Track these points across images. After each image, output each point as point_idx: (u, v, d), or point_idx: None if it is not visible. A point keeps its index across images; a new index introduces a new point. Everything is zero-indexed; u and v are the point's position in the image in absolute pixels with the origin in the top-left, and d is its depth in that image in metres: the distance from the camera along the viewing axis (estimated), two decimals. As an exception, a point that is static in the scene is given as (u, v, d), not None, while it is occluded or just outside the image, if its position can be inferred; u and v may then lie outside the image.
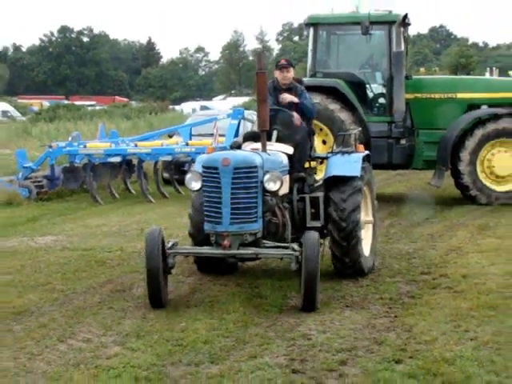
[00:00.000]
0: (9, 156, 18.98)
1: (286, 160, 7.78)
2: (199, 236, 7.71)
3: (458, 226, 11.33)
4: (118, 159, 15.34)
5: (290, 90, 8.48)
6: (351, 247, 7.90)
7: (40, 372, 5.52)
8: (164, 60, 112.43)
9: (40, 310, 7.15)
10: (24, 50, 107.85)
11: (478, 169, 13.38)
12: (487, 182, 13.40)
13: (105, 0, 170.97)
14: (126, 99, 71.67)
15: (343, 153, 8.29)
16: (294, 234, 7.58)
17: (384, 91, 14.03)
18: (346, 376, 5.30)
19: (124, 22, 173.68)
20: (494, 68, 26.25)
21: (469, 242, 10.07)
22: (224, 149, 10.05)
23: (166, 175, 16.49)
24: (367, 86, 14.10)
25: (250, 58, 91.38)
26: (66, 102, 58.83)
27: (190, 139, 15.90)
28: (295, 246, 6.96)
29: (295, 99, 8.34)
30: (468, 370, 5.29)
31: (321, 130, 13.34)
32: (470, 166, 13.32)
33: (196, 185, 7.26)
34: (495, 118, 13.45)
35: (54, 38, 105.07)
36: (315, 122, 11.48)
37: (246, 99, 49.54)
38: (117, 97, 76.29)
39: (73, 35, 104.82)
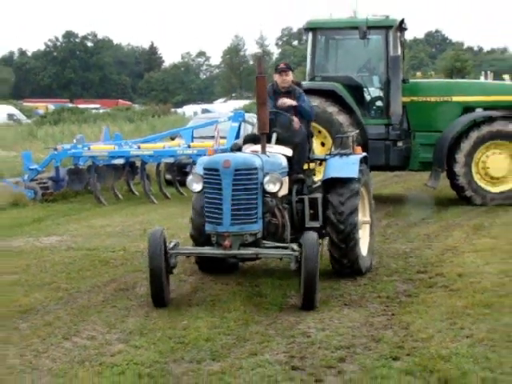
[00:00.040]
0: (15, 158, 18.98)
1: (285, 162, 7.79)
2: (200, 238, 7.71)
3: (453, 226, 11.33)
4: (121, 161, 15.35)
5: (289, 93, 8.47)
6: (349, 249, 7.91)
7: (45, 369, 5.52)
8: (166, 64, 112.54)
9: (45, 308, 7.15)
10: (29, 54, 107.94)
11: (473, 170, 13.38)
12: (482, 183, 13.40)
13: (108, 6, 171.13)
14: (129, 102, 71.75)
15: (341, 155, 8.29)
16: (293, 235, 7.57)
17: (381, 94, 14.03)
18: (345, 373, 5.31)
19: (127, 27, 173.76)
20: (489, 72, 26.23)
21: (464, 241, 10.07)
22: (225, 151, 10.07)
23: (168, 177, 16.50)
24: (365, 89, 14.10)
25: (251, 62, 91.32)
26: (70, 105, 58.85)
27: (192, 141, 15.92)
28: (294, 246, 6.95)
29: (294, 103, 8.34)
30: (463, 366, 5.30)
31: (319, 132, 13.34)
32: (466, 168, 13.33)
33: (197, 186, 7.26)
34: (490, 120, 13.46)
35: (58, 43, 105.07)
36: (314, 124, 11.50)
37: (246, 102, 49.55)
38: (120, 100, 76.33)
39: (77, 40, 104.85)
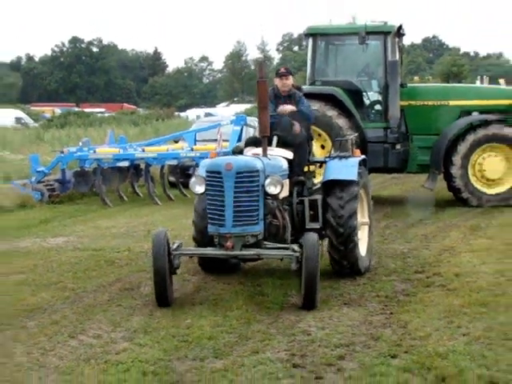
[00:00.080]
0: (22, 161, 18.99)
1: (286, 164, 7.79)
2: (203, 241, 7.71)
3: (450, 227, 11.32)
4: (126, 164, 15.38)
5: (289, 96, 8.48)
6: (349, 251, 7.90)
7: (52, 366, 5.52)
8: (170, 69, 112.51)
9: (52, 307, 7.15)
10: (37, 59, 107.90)
11: (470, 172, 13.39)
12: (478, 185, 13.40)
13: (114, 12, 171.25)
14: (133, 106, 71.65)
15: (340, 157, 8.29)
16: (294, 236, 7.57)
17: (380, 98, 14.04)
18: (344, 370, 5.30)
19: (132, 32, 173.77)
20: (485, 76, 26.17)
21: (461, 242, 10.06)
22: (227, 153, 10.06)
23: (171, 179, 16.51)
24: (364, 93, 14.11)
25: (252, 67, 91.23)
26: (76, 109, 58.79)
27: (195, 144, 15.91)
28: (295, 246, 6.95)
29: (293, 108, 8.32)
30: (460, 364, 5.29)
31: (319, 135, 13.35)
32: (462, 170, 13.33)
33: (200, 188, 7.25)
34: (486, 124, 13.47)
35: (65, 49, 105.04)
36: (314, 127, 11.51)
37: (248, 106, 49.49)
38: (125, 104, 76.25)
39: (83, 45, 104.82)
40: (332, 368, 5.35)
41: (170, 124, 37.28)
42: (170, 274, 7.06)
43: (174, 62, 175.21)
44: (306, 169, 8.41)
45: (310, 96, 11.62)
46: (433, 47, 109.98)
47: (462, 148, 13.33)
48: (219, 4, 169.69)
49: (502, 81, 19.31)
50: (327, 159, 8.40)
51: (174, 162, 15.45)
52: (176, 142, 18.11)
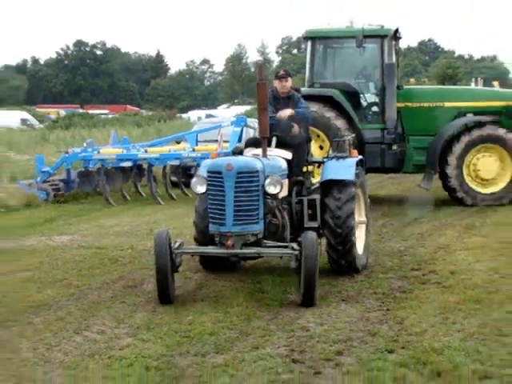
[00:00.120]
0: (28, 161, 18.95)
1: (285, 165, 7.78)
2: (204, 240, 7.70)
3: (445, 226, 11.32)
4: (129, 164, 15.38)
5: (288, 98, 8.47)
6: (346, 251, 7.89)
7: (58, 361, 5.53)
8: (172, 71, 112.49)
9: (57, 304, 7.16)
10: (42, 62, 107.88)
11: (465, 172, 13.39)
12: (473, 185, 13.41)
13: (117, 16, 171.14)
14: (136, 108, 71.67)
15: (338, 158, 8.28)
16: (292, 234, 7.57)
17: (377, 100, 14.03)
18: (342, 365, 5.31)
19: (134, 36, 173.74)
20: (479, 78, 26.17)
21: (456, 240, 10.06)
22: (228, 154, 10.06)
23: (173, 178, 16.50)
24: (361, 95, 14.11)
25: (252, 69, 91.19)
26: (80, 110, 58.80)
27: (196, 145, 15.90)
28: (294, 245, 6.94)
29: (292, 112, 8.29)
30: (455, 359, 5.29)
31: (318, 136, 13.34)
32: (457, 170, 13.34)
33: (201, 188, 7.25)
34: (480, 125, 13.47)
35: (69, 52, 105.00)
36: (313, 128, 11.52)
37: (248, 108, 49.44)
38: (128, 106, 76.25)
39: (87, 49, 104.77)
40: (330, 363, 5.36)
41: (172, 125, 37.26)
42: (172, 272, 7.06)
43: (175, 64, 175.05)
44: (304, 169, 8.41)
45: (309, 98, 11.64)
46: (428, 50, 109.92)
47: (457, 148, 13.33)
48: (220, 8, 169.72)
49: (495, 83, 19.31)
50: (325, 159, 8.40)
51: (176, 163, 15.44)
52: (178, 142, 18.10)
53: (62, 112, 55.58)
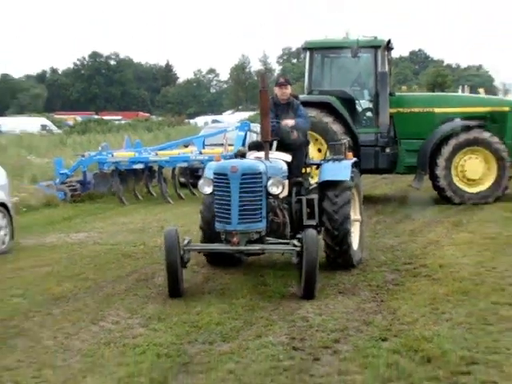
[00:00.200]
0: (47, 164, 18.98)
1: (285, 167, 7.78)
2: (209, 230, 7.70)
3: (435, 223, 11.32)
4: (141, 166, 15.41)
5: (287, 104, 8.45)
6: (343, 251, 7.88)
7: (76, 349, 5.55)
8: (180, 80, 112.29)
9: (75, 296, 7.18)
10: (60, 72, 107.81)
11: (453, 173, 13.41)
12: (460, 185, 13.42)
13: (129, 29, 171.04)
14: (147, 114, 71.53)
15: (334, 160, 8.28)
16: (292, 232, 7.56)
17: (371, 106, 14.03)
18: (340, 352, 5.32)
19: (145, 47, 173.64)
20: (466, 86, 26.07)
21: (445, 236, 10.06)
22: (233, 157, 10.06)
23: (182, 180, 16.52)
24: (356, 101, 14.10)
25: (255, 77, 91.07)
26: (96, 117, 58.69)
27: (203, 148, 15.96)
28: (296, 242, 6.94)
29: (294, 122, 8.25)
30: (444, 346, 5.30)
31: (316, 139, 13.34)
32: (446, 171, 13.36)
33: (208, 189, 7.26)
34: (467, 129, 13.48)
35: (85, 62, 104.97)
36: (311, 132, 11.52)
37: (251, 113, 49.33)
38: (140, 112, 76.14)
39: (102, 59, 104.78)
40: (328, 350, 5.37)
41: (181, 130, 37.24)
42: (181, 268, 7.05)
43: (184, 73, 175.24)
44: (303, 170, 8.40)
45: (308, 104, 11.65)
46: (419, 60, 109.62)
47: (446, 151, 13.35)
48: (225, 22, 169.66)
49: (481, 90, 19.26)
50: (323, 162, 8.40)
51: (185, 165, 15.48)
52: (186, 146, 18.12)
53: (79, 118, 55.56)
